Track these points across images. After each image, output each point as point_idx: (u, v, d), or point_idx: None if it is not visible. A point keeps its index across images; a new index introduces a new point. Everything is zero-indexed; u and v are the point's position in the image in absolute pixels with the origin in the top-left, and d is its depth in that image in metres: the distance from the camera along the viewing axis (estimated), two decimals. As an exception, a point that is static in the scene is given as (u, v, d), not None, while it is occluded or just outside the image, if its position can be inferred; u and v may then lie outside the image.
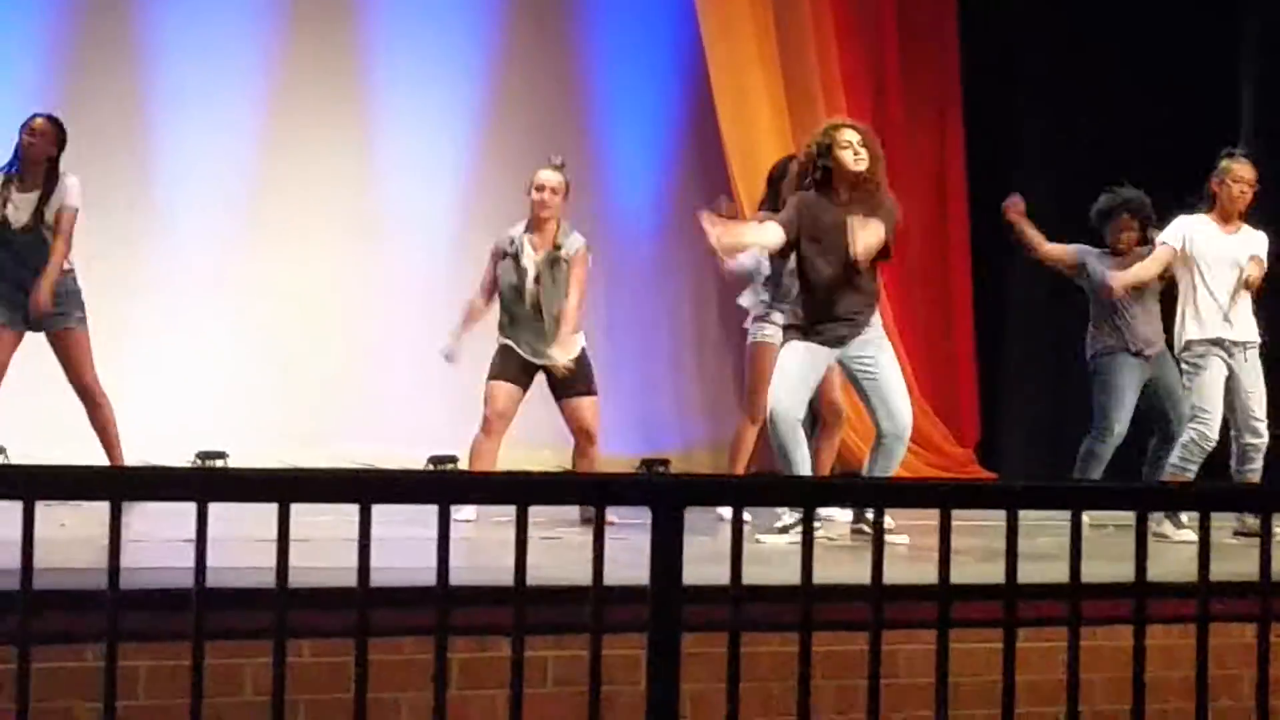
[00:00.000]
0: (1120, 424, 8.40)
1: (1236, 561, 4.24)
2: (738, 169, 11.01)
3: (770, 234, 7.04)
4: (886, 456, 7.04)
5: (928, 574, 3.06)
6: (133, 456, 8.19)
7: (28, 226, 7.79)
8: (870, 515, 3.23)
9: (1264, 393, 8.01)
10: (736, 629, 2.88)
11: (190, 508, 2.65)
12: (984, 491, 3.75)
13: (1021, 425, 12.02)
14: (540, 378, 8.04)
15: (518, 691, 2.78)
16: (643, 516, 2.83)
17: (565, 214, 8.13)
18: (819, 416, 8.25)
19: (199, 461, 9.58)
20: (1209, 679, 3.18)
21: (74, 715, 4.18)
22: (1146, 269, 8.17)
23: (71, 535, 5.38)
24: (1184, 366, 8.06)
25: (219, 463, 9.56)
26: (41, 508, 2.60)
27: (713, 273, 11.87)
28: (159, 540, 5.10)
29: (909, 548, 6.66)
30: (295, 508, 2.69)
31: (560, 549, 6.34)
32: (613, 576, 2.82)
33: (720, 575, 2.92)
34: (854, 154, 6.98)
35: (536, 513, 2.84)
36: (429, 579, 2.77)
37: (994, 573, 3.12)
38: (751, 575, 2.96)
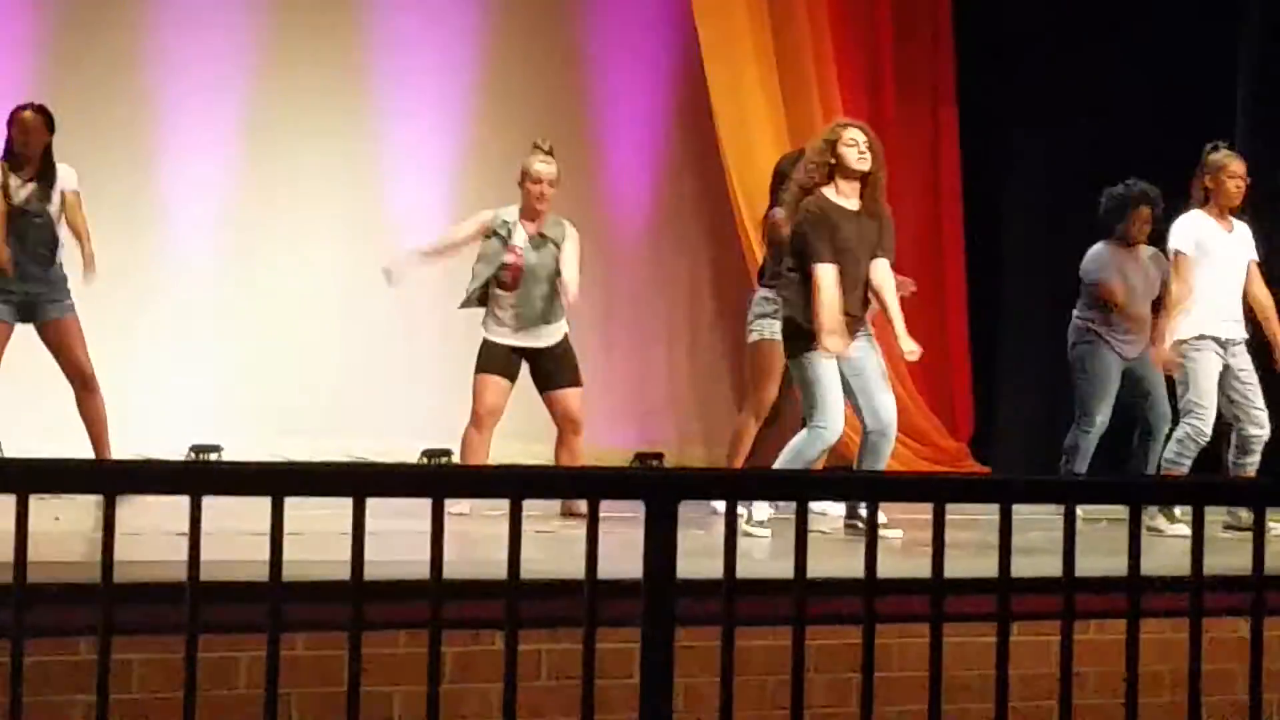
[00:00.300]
0: (1102, 415, 8.43)
1: (1229, 555, 4.25)
2: (733, 165, 11.00)
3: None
4: (873, 454, 7.09)
5: (921, 568, 3.06)
6: (126, 450, 8.17)
7: (38, 212, 7.84)
8: (864, 510, 3.23)
9: (1258, 382, 8.03)
10: (730, 623, 2.88)
11: (184, 501, 2.65)
12: (978, 485, 3.75)
13: (1015, 419, 12.02)
14: (524, 369, 8.05)
15: (511, 685, 2.79)
16: (636, 510, 2.83)
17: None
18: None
19: (193, 455, 9.57)
20: (1202, 673, 3.18)
21: (68, 708, 4.18)
22: (1182, 292, 8.05)
23: (65, 529, 5.37)
24: (1181, 362, 8.04)
25: (213, 456, 9.55)
26: (35, 501, 2.60)
27: (707, 267, 11.91)
28: (153, 533, 5.10)
29: (902, 542, 6.67)
30: (289, 501, 2.69)
31: (554, 542, 6.35)
32: (606, 570, 2.83)
33: (714, 569, 2.92)
34: (859, 153, 7.05)
35: (530, 506, 2.84)
36: (423, 572, 2.77)
37: (988, 567, 3.12)
38: (745, 569, 2.96)
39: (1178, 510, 7.71)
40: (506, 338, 8.01)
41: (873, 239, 7.10)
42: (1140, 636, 3.13)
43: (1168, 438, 8.15)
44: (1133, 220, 8.54)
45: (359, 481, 2.76)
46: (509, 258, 7.99)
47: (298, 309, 10.45)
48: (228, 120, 10.45)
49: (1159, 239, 8.42)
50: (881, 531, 3.44)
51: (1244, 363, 8.03)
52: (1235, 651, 4.48)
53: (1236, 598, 3.53)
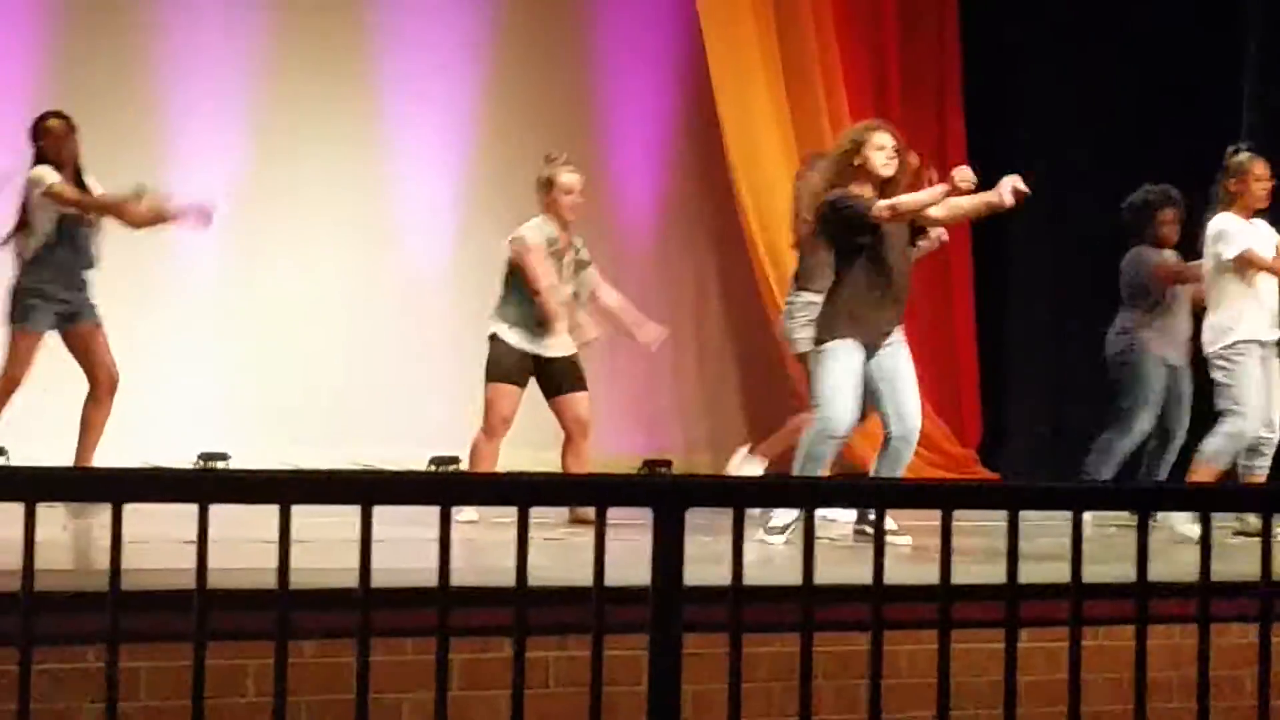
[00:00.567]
0: (1143, 423, 8.36)
1: (1237, 561, 4.24)
2: (738, 165, 11.01)
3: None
4: (893, 460, 7.02)
5: (929, 574, 3.06)
6: (134, 458, 8.16)
7: (90, 221, 7.79)
8: (872, 516, 3.23)
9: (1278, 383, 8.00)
10: (738, 629, 2.88)
11: (192, 509, 2.65)
12: (986, 492, 3.75)
13: (1023, 425, 12.01)
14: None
15: (519, 692, 2.78)
16: (644, 517, 2.83)
17: None
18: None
19: (201, 463, 9.57)
20: (1211, 679, 3.18)
21: (76, 716, 4.18)
22: (1277, 264, 7.97)
23: (74, 537, 5.38)
24: (1221, 364, 7.95)
25: (221, 464, 9.55)
26: (43, 509, 2.60)
27: (714, 271, 11.89)
28: (161, 541, 5.10)
29: (911, 548, 6.65)
30: (297, 509, 2.69)
31: (562, 550, 6.34)
32: (614, 577, 2.82)
33: (721, 576, 2.92)
34: (886, 157, 6.98)
35: (538, 513, 2.84)
36: (431, 580, 2.77)
37: (995, 573, 3.11)
38: (753, 576, 2.96)
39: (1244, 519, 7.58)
40: (522, 342, 8.00)
41: (902, 239, 7.05)
42: (1149, 643, 3.13)
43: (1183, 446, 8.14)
44: (1160, 223, 8.50)
45: (367, 489, 2.76)
46: (559, 275, 8.07)
47: (306, 316, 10.46)
48: (235, 125, 10.46)
49: (1189, 240, 8.36)
50: (890, 538, 3.44)
51: (1273, 365, 7.99)
52: (1244, 657, 4.47)
53: (1245, 604, 3.52)
